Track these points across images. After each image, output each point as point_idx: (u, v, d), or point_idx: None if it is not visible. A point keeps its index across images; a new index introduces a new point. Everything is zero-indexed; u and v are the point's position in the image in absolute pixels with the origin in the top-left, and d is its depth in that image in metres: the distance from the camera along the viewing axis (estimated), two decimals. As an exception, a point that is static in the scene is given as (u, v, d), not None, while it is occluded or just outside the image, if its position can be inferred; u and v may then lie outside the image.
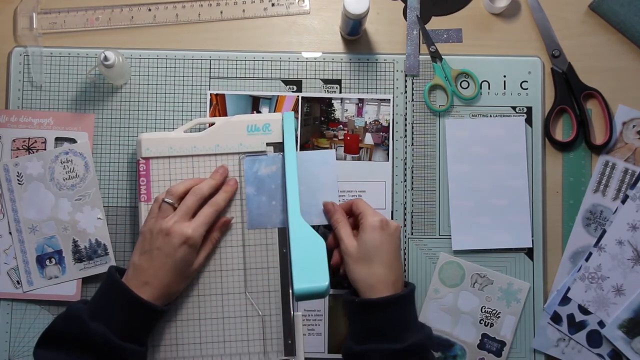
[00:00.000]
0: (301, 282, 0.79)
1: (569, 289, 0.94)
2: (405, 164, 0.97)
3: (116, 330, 0.80)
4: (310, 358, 0.94)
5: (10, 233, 0.93)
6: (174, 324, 0.90)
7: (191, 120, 0.95)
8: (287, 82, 0.97)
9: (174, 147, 0.92)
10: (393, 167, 0.96)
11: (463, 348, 0.94)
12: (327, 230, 0.94)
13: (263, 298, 0.91)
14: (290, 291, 0.89)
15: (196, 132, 0.93)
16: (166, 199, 0.87)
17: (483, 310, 0.94)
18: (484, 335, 0.94)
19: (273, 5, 0.99)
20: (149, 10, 0.98)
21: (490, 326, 0.94)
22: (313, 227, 0.84)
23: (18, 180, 0.93)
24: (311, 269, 0.80)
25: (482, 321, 0.94)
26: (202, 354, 0.90)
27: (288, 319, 0.90)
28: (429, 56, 0.98)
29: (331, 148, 0.96)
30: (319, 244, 0.82)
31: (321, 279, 0.79)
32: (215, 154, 0.92)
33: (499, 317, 0.94)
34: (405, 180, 0.96)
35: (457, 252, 0.95)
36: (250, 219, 0.91)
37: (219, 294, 0.90)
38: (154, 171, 0.91)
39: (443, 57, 0.97)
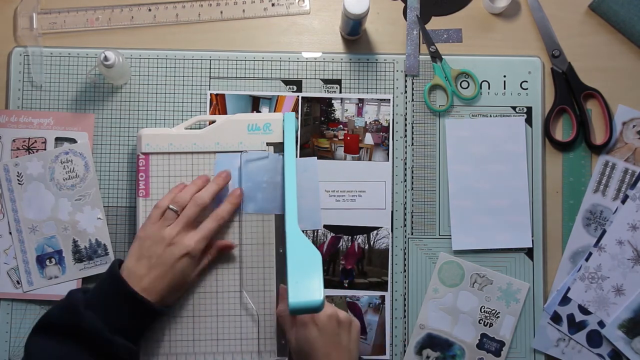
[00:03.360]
0: (296, 296, 0.77)
1: (569, 289, 0.94)
2: (405, 164, 0.97)
3: (109, 323, 0.79)
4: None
5: (10, 233, 0.93)
6: (167, 320, 0.90)
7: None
8: (287, 82, 0.97)
9: (174, 143, 0.92)
10: (393, 167, 0.96)
11: (462, 348, 0.94)
12: (327, 231, 0.94)
13: (258, 297, 0.90)
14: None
15: (197, 129, 0.93)
16: (172, 207, 0.86)
17: (482, 310, 0.94)
18: (483, 335, 0.94)
19: (273, 5, 0.99)
20: (149, 10, 0.98)
21: (490, 326, 0.94)
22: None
23: (18, 180, 0.93)
24: (306, 284, 0.78)
25: (481, 321, 0.94)
26: (194, 351, 0.90)
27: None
28: (429, 56, 0.98)
29: (331, 148, 0.96)
30: (316, 258, 0.80)
31: (316, 294, 0.77)
32: (215, 152, 0.92)
33: (498, 317, 0.94)
34: (405, 180, 0.96)
35: (457, 252, 0.95)
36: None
37: (214, 291, 0.90)
38: (153, 167, 0.91)
39: (443, 57, 0.97)
